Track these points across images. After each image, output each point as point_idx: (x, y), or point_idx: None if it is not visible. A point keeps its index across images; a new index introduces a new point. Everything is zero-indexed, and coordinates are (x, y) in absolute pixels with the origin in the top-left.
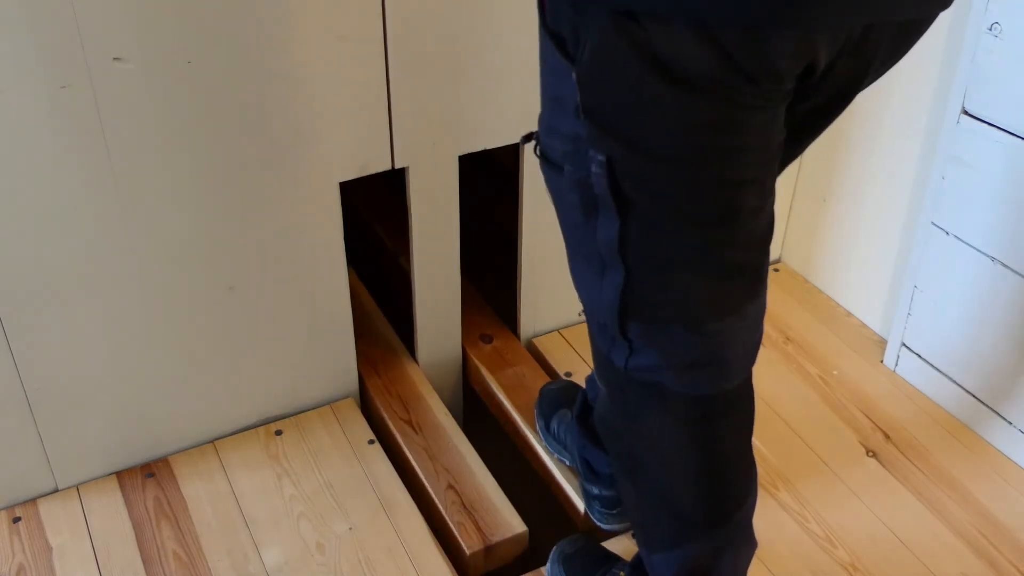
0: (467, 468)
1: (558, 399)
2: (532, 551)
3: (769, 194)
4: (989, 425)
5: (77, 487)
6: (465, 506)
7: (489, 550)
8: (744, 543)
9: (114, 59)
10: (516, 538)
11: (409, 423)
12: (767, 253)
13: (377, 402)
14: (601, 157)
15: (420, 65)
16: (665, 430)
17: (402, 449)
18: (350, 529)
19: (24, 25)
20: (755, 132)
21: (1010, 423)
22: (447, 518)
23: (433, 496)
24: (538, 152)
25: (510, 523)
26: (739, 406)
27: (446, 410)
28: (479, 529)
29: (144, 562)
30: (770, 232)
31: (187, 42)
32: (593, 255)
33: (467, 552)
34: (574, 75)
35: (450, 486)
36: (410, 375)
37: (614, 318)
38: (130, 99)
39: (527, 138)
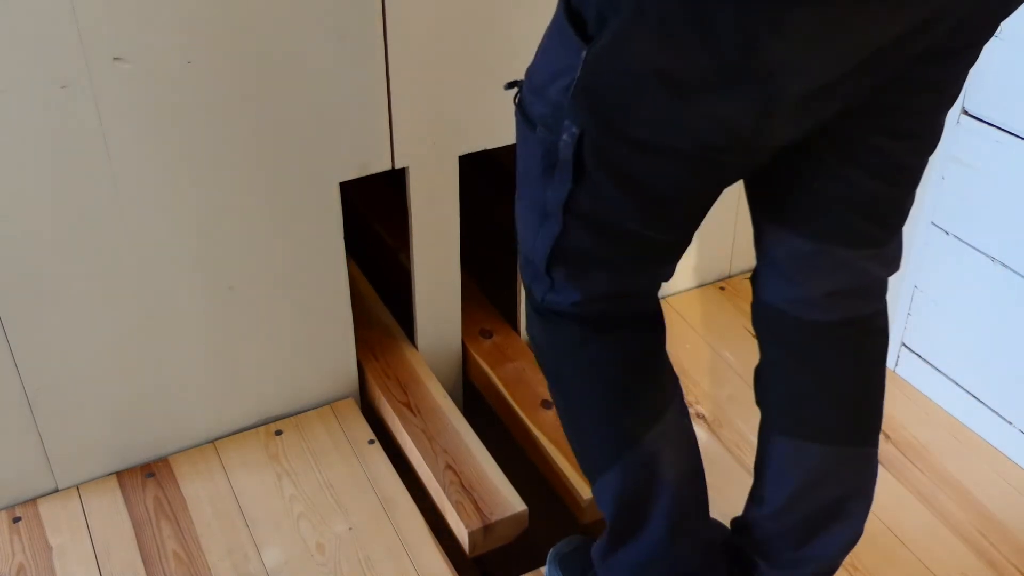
0: (466, 449)
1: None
2: (532, 547)
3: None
4: (989, 425)
5: (77, 487)
6: (464, 486)
7: (488, 529)
8: (678, 443)
9: (114, 59)
10: (515, 517)
11: (407, 406)
12: (696, 227)
13: (375, 385)
14: (575, 130)
15: (420, 65)
16: (580, 341)
17: (400, 431)
18: (350, 529)
19: (24, 25)
20: (740, 150)
21: (1010, 423)
22: (446, 498)
23: (432, 476)
24: (516, 102)
25: (509, 502)
26: (648, 316)
27: (444, 393)
28: (478, 508)
29: (144, 562)
30: (705, 211)
31: (187, 42)
32: (538, 203)
33: (466, 531)
34: (583, 54)
35: (448, 466)
36: (408, 359)
37: (543, 261)
38: (130, 99)
39: (511, 85)
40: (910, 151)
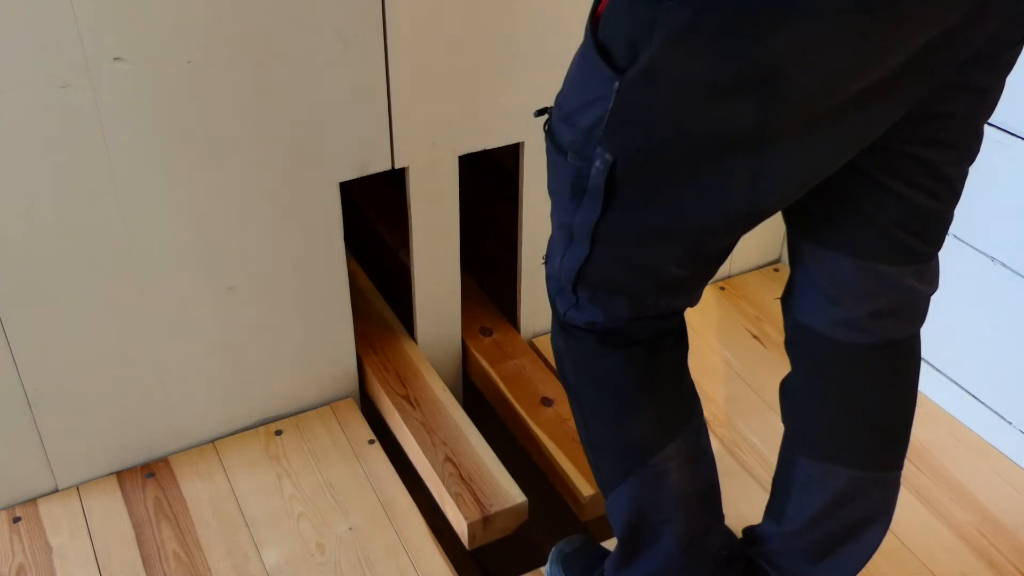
0: (465, 441)
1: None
2: (532, 547)
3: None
4: (989, 425)
5: (77, 487)
6: (463, 478)
7: (487, 520)
8: (694, 462)
9: (114, 59)
10: (515, 508)
11: (406, 399)
12: (718, 267)
13: (374, 379)
14: (609, 157)
15: (420, 65)
16: (598, 353)
17: (399, 424)
18: (350, 529)
19: (24, 25)
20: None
21: (1010, 423)
22: (445, 489)
23: (431, 468)
24: (546, 129)
25: (509, 493)
26: (670, 334)
27: (444, 386)
28: (477, 500)
29: (144, 562)
30: (728, 253)
31: (187, 42)
32: (566, 226)
33: (465, 522)
34: (616, 84)
35: (448, 458)
36: (408, 353)
37: (569, 280)
38: (130, 99)
39: (540, 112)
40: (952, 161)
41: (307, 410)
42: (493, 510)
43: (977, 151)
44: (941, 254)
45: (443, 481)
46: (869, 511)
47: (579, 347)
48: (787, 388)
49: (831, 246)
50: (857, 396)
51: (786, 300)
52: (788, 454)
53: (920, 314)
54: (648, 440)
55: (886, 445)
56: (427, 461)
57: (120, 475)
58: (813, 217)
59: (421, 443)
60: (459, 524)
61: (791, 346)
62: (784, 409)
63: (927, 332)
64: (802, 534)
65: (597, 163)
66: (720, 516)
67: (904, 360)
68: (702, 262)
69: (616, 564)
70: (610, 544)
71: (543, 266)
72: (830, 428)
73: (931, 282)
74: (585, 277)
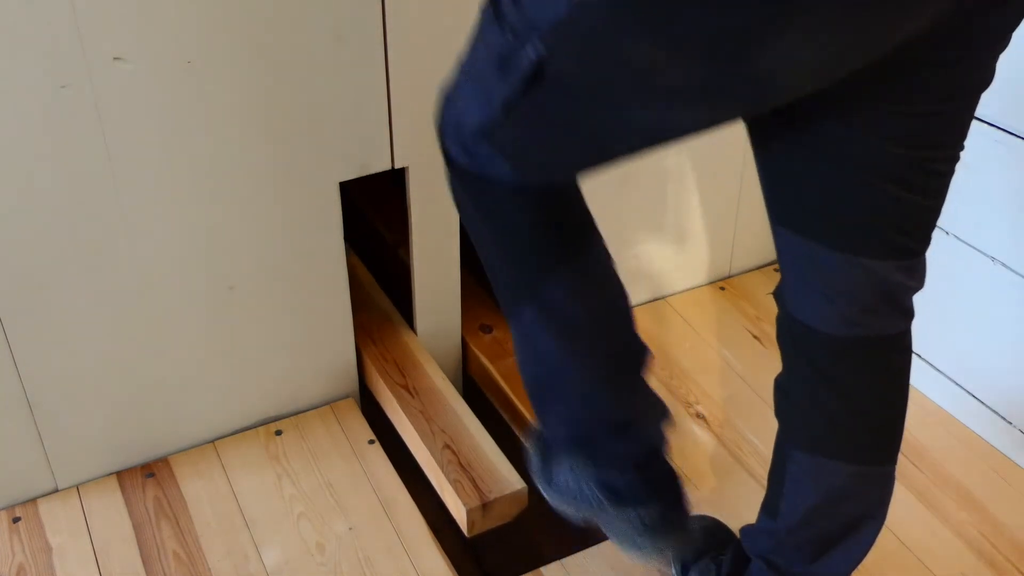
0: (464, 428)
1: (702, 545)
2: (533, 547)
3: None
4: (989, 425)
5: (77, 487)
6: (462, 465)
7: (487, 506)
8: (599, 280)
9: (114, 59)
10: (514, 495)
11: (405, 387)
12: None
13: (373, 369)
14: (542, 53)
15: (420, 65)
16: (486, 192)
17: (398, 412)
18: (350, 529)
19: (24, 25)
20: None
21: (1010, 423)
22: (444, 476)
23: (430, 456)
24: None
25: (508, 480)
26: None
27: (443, 375)
28: (476, 487)
29: (144, 562)
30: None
31: (187, 42)
32: (482, 86)
33: (464, 509)
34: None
35: (447, 446)
36: (407, 343)
37: (471, 134)
38: (130, 99)
39: None
40: (940, 159)
41: (307, 410)
42: (492, 496)
43: (963, 146)
44: (941, 254)
45: (442, 468)
46: (864, 507)
47: (467, 183)
48: (780, 383)
49: (818, 240)
50: (849, 389)
51: (778, 293)
52: (782, 449)
53: (909, 309)
54: (545, 263)
55: (879, 439)
56: (426, 449)
57: (120, 475)
58: (803, 212)
59: (420, 431)
60: (458, 511)
61: (782, 338)
62: (777, 404)
63: (927, 332)
64: (797, 530)
65: (529, 50)
66: (629, 331)
67: (895, 354)
68: (611, 161)
69: (536, 411)
70: (612, 544)
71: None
72: (823, 422)
73: (920, 278)
74: (487, 137)
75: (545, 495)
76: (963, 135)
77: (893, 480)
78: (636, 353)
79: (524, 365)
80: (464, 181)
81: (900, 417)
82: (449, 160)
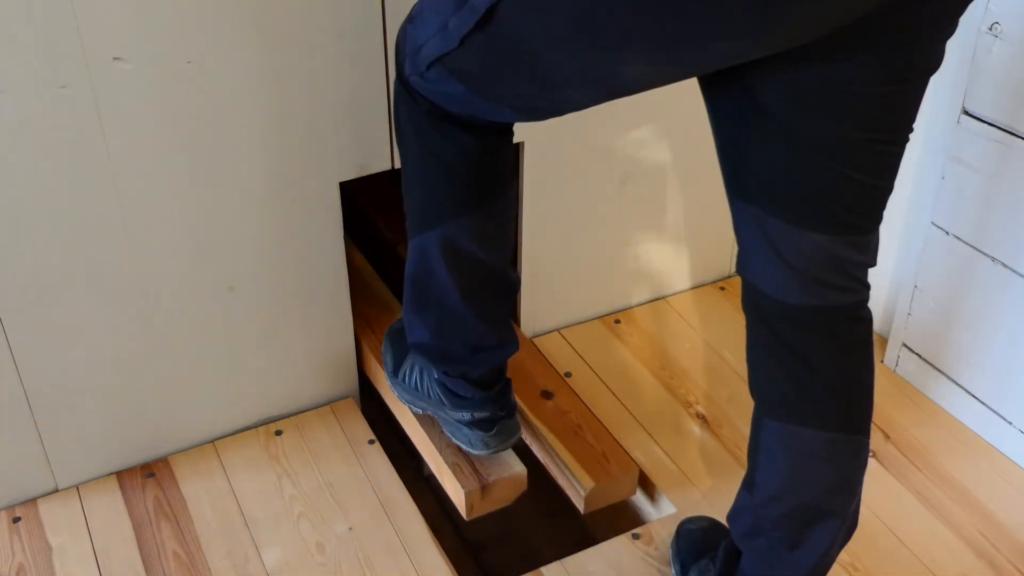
0: None
1: (700, 545)
2: (533, 547)
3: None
4: (989, 425)
5: (77, 487)
6: (461, 448)
7: (486, 489)
8: (502, 225)
9: (114, 59)
10: (514, 478)
11: None
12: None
13: (372, 357)
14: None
15: None
16: (430, 122)
17: (396, 399)
18: (350, 529)
19: (24, 25)
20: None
21: (1010, 423)
22: (442, 460)
23: (428, 440)
24: None
25: (507, 462)
26: (503, 133)
27: None
28: (475, 470)
29: (144, 562)
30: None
31: (187, 42)
32: (441, 17)
33: (463, 491)
34: None
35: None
36: None
37: (427, 59)
38: (130, 99)
39: None
40: (889, 140)
41: (307, 410)
42: (491, 479)
43: (912, 129)
44: (941, 253)
45: (440, 452)
46: (836, 478)
47: (412, 105)
48: (748, 355)
49: (770, 212)
50: (811, 357)
51: (739, 263)
52: (755, 421)
53: (863, 280)
54: (452, 205)
55: (846, 406)
56: (424, 433)
57: (120, 475)
58: (753, 184)
59: (418, 415)
60: (456, 494)
61: (746, 307)
62: (749, 377)
63: (927, 331)
64: (773, 504)
65: None
66: (511, 266)
67: (853, 323)
68: (558, 103)
69: (405, 311)
70: (612, 544)
71: (407, 25)
72: (791, 388)
73: (872, 254)
74: (444, 63)
75: (392, 386)
76: (912, 117)
77: (866, 452)
78: (509, 285)
79: (411, 268)
80: (414, 102)
81: (866, 385)
82: (404, 81)
